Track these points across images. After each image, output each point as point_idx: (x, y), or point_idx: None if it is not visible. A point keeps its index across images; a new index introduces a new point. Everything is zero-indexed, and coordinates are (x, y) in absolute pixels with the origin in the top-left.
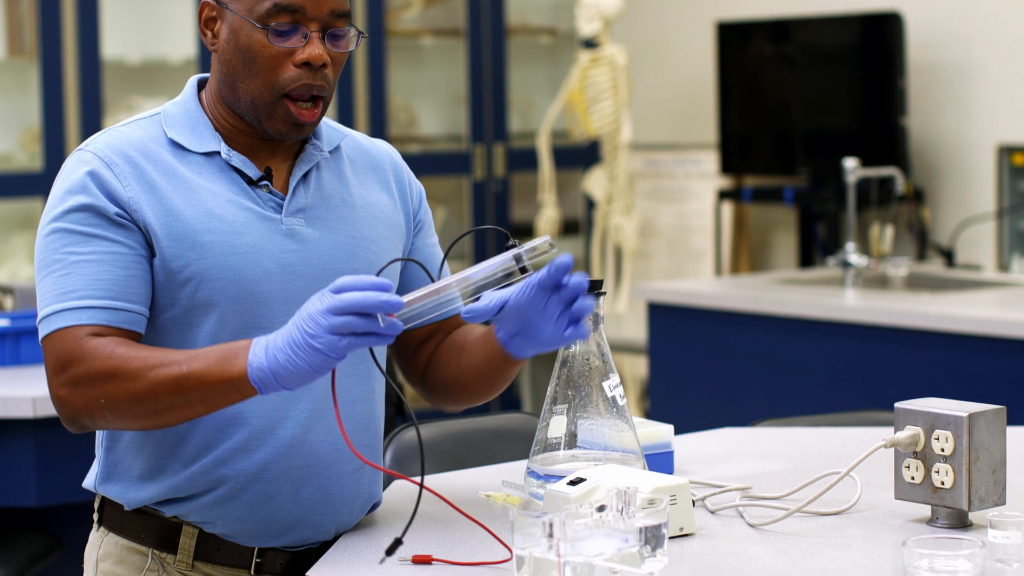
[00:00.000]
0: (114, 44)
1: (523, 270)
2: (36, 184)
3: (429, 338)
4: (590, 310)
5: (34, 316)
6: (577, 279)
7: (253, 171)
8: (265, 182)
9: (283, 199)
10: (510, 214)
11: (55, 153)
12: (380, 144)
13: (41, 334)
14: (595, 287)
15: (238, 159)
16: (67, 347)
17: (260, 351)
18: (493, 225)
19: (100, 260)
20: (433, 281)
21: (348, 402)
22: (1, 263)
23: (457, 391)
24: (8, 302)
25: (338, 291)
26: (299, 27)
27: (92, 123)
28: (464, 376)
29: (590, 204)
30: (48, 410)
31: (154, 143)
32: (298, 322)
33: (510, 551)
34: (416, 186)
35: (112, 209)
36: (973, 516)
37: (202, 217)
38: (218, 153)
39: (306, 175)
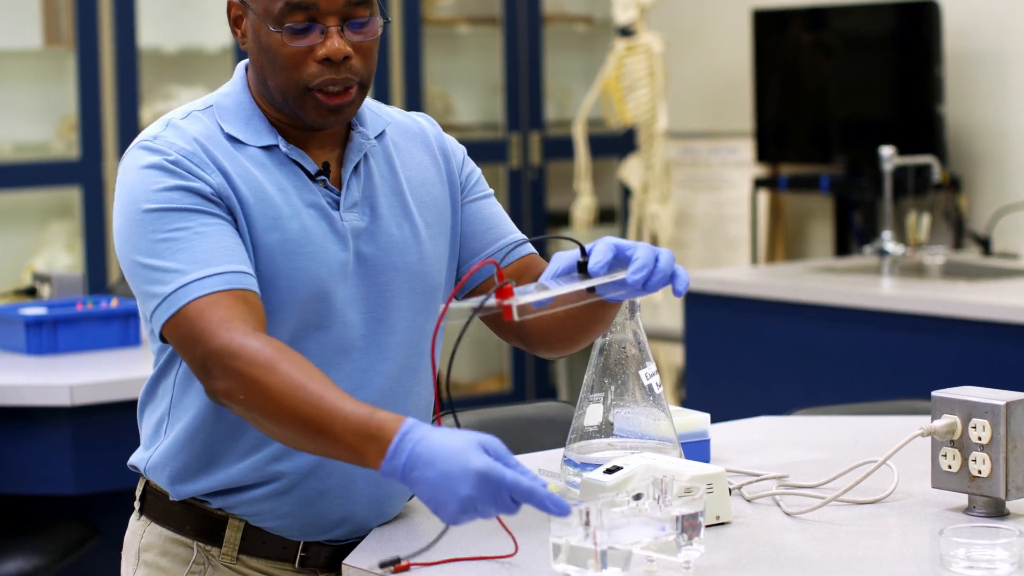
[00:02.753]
0: (150, 33)
1: (582, 266)
2: (73, 173)
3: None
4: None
5: (71, 305)
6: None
7: (311, 165)
8: (323, 177)
9: (339, 194)
10: (546, 202)
11: (92, 142)
12: (417, 117)
13: (167, 313)
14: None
15: (296, 152)
16: (210, 324)
17: (398, 464)
18: (556, 235)
19: (208, 232)
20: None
21: (403, 396)
22: (38, 251)
23: (557, 338)
24: (46, 290)
25: (511, 489)
26: (315, 23)
27: (129, 112)
28: (562, 324)
29: (626, 192)
30: (85, 398)
31: (215, 136)
32: (436, 486)
33: (515, 545)
34: (458, 148)
35: (207, 189)
36: (1010, 505)
37: (272, 213)
38: (276, 146)
39: (356, 167)
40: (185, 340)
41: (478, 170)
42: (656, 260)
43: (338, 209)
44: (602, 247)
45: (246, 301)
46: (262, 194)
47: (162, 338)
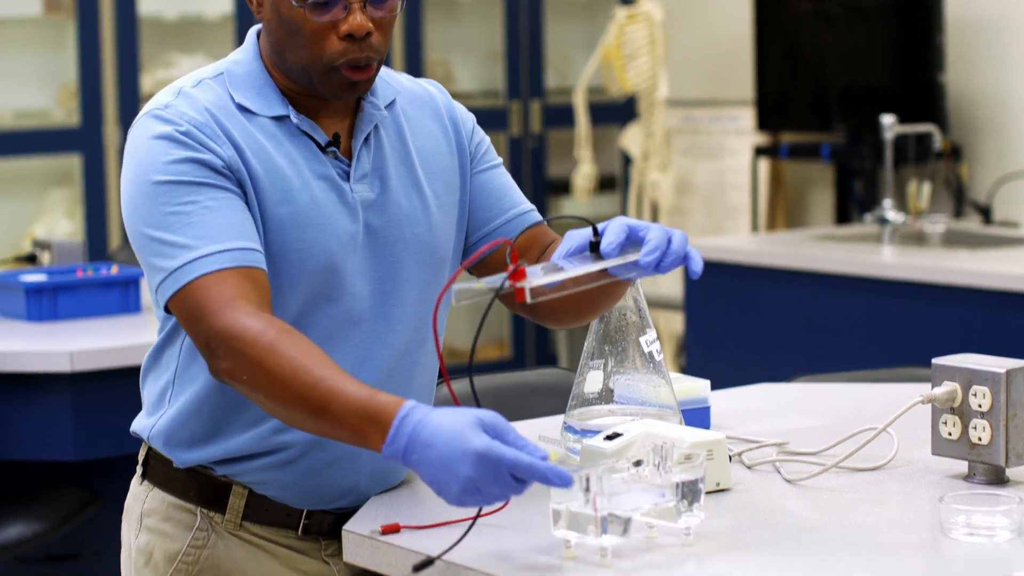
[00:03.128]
0: (151, 0)
1: (594, 246)
2: (73, 140)
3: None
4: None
5: (71, 271)
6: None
7: (322, 136)
8: (333, 148)
9: (349, 165)
10: (546, 170)
11: (92, 109)
12: (427, 84)
13: (176, 287)
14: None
15: (307, 124)
16: (214, 302)
17: (399, 447)
18: (567, 215)
19: (217, 207)
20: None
21: (411, 367)
22: (38, 218)
23: (566, 313)
24: (46, 257)
25: (512, 467)
26: None
27: (129, 80)
28: (572, 300)
29: (626, 160)
30: (86, 365)
31: (226, 106)
32: (437, 466)
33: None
34: (468, 117)
35: (217, 162)
36: (1010, 472)
37: (283, 185)
38: (287, 117)
39: (367, 138)
40: (190, 316)
41: (487, 139)
42: (669, 242)
43: (348, 180)
44: (615, 227)
45: (252, 279)
46: (272, 166)
47: (167, 310)
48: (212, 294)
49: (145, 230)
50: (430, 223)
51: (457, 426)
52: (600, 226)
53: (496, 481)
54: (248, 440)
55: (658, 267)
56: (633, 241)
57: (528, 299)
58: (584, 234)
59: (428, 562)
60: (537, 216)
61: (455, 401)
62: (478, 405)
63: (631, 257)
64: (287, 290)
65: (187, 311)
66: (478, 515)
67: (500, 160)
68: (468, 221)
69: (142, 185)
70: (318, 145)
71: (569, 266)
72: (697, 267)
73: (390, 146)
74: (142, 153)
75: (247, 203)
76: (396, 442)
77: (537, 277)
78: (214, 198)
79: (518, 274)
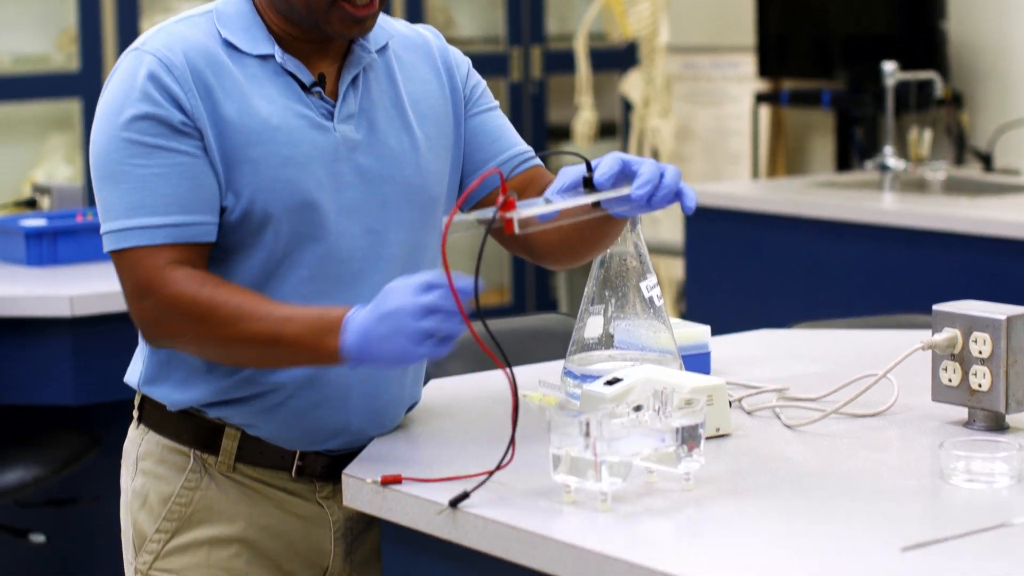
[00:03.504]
0: None
1: (588, 181)
2: (72, 84)
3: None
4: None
5: (71, 216)
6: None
7: (307, 76)
8: (318, 88)
9: (334, 106)
10: (547, 116)
11: (91, 54)
12: (422, 29)
13: (110, 246)
14: None
15: (292, 63)
16: (147, 274)
17: (353, 336)
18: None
19: (168, 173)
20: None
21: None
22: (38, 163)
23: (562, 252)
24: (46, 202)
25: (426, 290)
26: None
27: (128, 24)
28: (567, 237)
29: (627, 106)
30: (86, 309)
31: (210, 42)
32: (389, 319)
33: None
34: (463, 60)
35: (176, 117)
36: (1010, 419)
37: (257, 126)
38: (272, 56)
39: (355, 79)
40: (123, 281)
41: (483, 82)
42: (662, 176)
43: (332, 120)
44: (608, 160)
45: (186, 252)
46: (246, 106)
47: None
48: (142, 266)
49: (99, 174)
50: (419, 164)
51: (395, 291)
52: (594, 162)
53: (443, 303)
54: (237, 382)
55: (650, 202)
56: (626, 175)
57: (516, 230)
58: (578, 170)
59: (464, 496)
60: (535, 159)
61: (489, 333)
62: (489, 334)
63: (623, 191)
64: (269, 227)
65: (121, 276)
66: (497, 467)
67: (496, 104)
68: (464, 164)
69: (104, 132)
70: (302, 86)
71: (561, 200)
72: (690, 203)
73: (379, 89)
74: (112, 96)
75: (208, 155)
76: (348, 331)
77: (526, 209)
78: (165, 164)
79: (508, 205)
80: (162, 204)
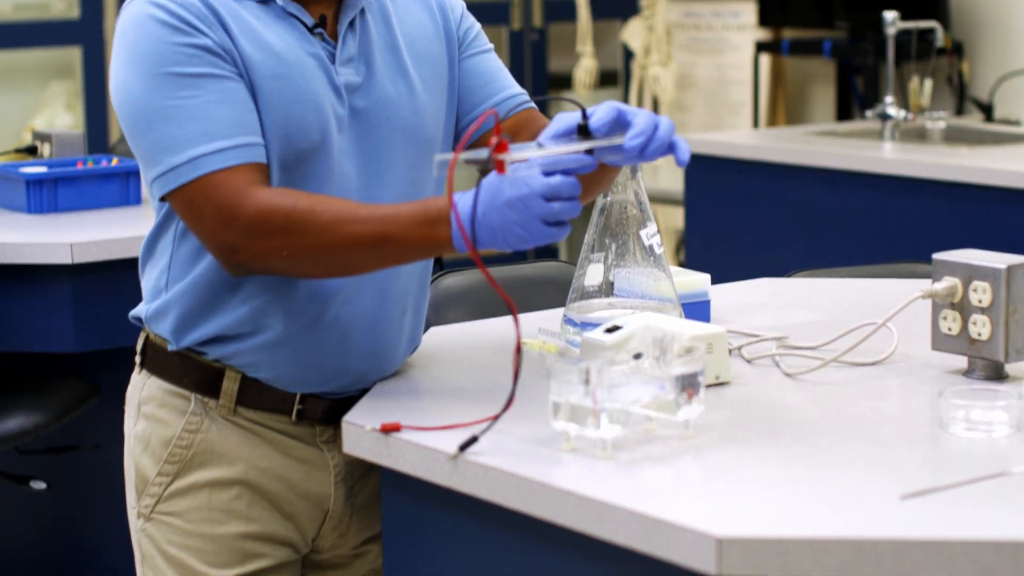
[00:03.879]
0: None
1: (583, 129)
2: (73, 32)
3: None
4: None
5: (71, 163)
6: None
7: (308, 18)
8: (320, 30)
9: (335, 47)
10: (547, 65)
11: (92, 1)
12: None
13: (179, 181)
14: None
15: (294, 6)
16: (232, 195)
17: (466, 218)
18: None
19: (222, 99)
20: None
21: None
22: (39, 111)
23: None
24: (46, 149)
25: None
26: None
27: None
28: None
29: (628, 55)
30: (86, 256)
31: None
32: (515, 205)
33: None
34: (457, 3)
35: (213, 41)
36: (1009, 368)
37: (273, 62)
38: (273, 0)
39: (352, 22)
40: (198, 212)
41: (477, 25)
42: (656, 128)
43: (334, 63)
44: (604, 108)
45: (259, 171)
46: (262, 43)
47: (163, 199)
48: (225, 189)
49: (140, 115)
50: (416, 107)
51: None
52: (589, 110)
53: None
54: (240, 317)
55: (643, 153)
56: (621, 125)
57: (507, 172)
58: (573, 116)
59: (473, 440)
60: (528, 102)
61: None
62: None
63: (616, 140)
64: (277, 166)
65: (196, 208)
66: (503, 410)
67: (491, 46)
68: (458, 105)
69: (138, 70)
70: (305, 26)
71: (554, 145)
72: (684, 156)
73: (376, 32)
74: (138, 39)
75: (243, 80)
76: (463, 215)
77: (519, 151)
78: (215, 90)
79: (501, 147)
80: (226, 128)
